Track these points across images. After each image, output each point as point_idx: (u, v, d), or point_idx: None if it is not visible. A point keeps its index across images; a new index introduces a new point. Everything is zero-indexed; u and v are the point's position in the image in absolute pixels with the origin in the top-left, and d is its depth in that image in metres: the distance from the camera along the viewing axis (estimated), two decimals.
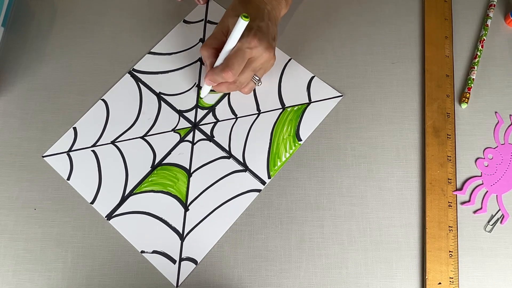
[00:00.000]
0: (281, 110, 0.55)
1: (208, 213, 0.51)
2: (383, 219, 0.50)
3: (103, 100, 0.55)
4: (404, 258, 0.49)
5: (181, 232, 0.50)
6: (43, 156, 0.53)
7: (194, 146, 0.53)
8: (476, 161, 0.52)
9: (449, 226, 0.49)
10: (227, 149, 0.53)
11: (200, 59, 0.57)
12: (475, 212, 0.50)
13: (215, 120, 0.54)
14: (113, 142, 0.53)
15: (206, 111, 0.55)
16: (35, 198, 0.52)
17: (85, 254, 0.50)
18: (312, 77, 0.56)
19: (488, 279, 0.48)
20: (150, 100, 0.55)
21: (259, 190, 0.51)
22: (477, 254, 0.49)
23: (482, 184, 0.51)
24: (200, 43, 0.58)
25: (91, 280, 0.49)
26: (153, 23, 0.59)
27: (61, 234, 0.50)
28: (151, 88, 0.56)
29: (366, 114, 0.54)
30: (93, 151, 0.53)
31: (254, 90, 0.55)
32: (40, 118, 0.55)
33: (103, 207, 0.51)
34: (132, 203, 0.51)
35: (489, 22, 0.57)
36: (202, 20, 0.59)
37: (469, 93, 0.54)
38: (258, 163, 0.52)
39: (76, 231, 0.50)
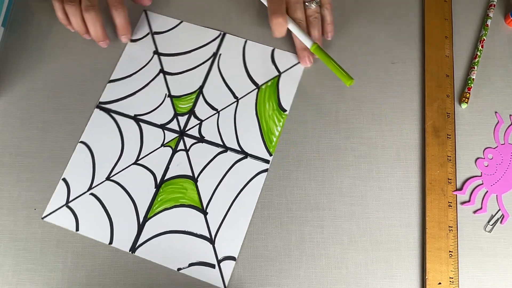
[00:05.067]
0: (257, 90, 0.55)
1: (227, 209, 0.51)
2: (383, 219, 0.50)
3: (82, 142, 0.53)
4: (404, 258, 0.49)
5: (208, 236, 0.50)
6: (43, 218, 0.51)
7: (189, 152, 0.53)
8: (476, 161, 0.52)
9: (449, 226, 0.49)
10: (221, 144, 0.53)
11: (161, 70, 0.56)
12: (475, 212, 0.50)
13: (198, 122, 0.54)
14: (108, 178, 0.52)
15: (187, 116, 0.54)
16: (35, 198, 0.52)
17: (85, 254, 0.50)
18: (273, 50, 0.57)
19: (488, 279, 0.48)
20: (129, 126, 0.54)
21: (266, 170, 0.52)
22: (477, 254, 0.49)
23: (482, 184, 0.51)
24: (156, 56, 0.57)
25: (91, 280, 0.49)
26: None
27: (61, 234, 0.50)
28: (125, 114, 0.54)
29: (366, 114, 0.54)
30: (91, 194, 0.51)
31: (224, 80, 0.56)
32: (40, 118, 0.55)
33: (123, 243, 0.50)
34: (150, 228, 0.50)
35: (489, 22, 0.57)
36: (148, 33, 0.58)
37: (469, 93, 0.54)
38: (255, 146, 0.53)
39: (76, 231, 0.50)
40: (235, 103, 0.55)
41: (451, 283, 0.47)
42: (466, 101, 0.54)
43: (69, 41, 0.59)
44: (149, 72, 0.56)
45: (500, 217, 0.50)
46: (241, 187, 0.51)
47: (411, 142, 0.53)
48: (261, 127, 0.54)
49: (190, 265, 0.49)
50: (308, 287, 0.48)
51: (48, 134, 0.54)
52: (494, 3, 0.58)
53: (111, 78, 0.56)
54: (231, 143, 0.53)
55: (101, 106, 0.55)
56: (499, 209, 0.50)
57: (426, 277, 0.48)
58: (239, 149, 0.53)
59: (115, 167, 0.52)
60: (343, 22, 0.59)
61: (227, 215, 0.50)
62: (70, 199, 0.51)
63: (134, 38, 0.58)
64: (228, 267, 0.49)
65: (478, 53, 0.56)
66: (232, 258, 0.49)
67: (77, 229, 0.50)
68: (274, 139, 0.53)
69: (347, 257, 0.49)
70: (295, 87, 0.55)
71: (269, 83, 0.55)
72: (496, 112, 0.54)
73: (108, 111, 0.55)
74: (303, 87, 0.55)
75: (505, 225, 0.50)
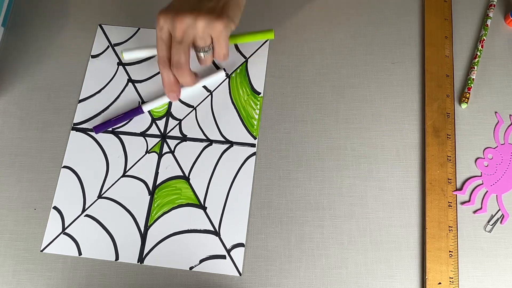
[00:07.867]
0: (227, 79, 0.56)
1: (225, 198, 0.51)
2: (383, 219, 0.50)
3: (65, 166, 0.53)
4: (404, 258, 0.49)
5: (212, 230, 0.50)
6: (42, 250, 0.50)
7: (175, 153, 0.53)
8: (476, 161, 0.52)
9: (449, 226, 0.49)
10: (205, 138, 0.53)
11: (129, 80, 0.56)
12: (475, 212, 0.50)
13: (177, 122, 0.54)
14: (100, 196, 0.52)
15: (165, 118, 0.55)
16: (35, 198, 0.52)
17: (85, 254, 0.50)
18: None
19: (488, 279, 0.48)
20: (109, 140, 0.54)
21: (254, 153, 0.53)
22: (477, 254, 0.49)
23: (482, 184, 0.51)
24: (121, 67, 0.57)
25: (91, 280, 0.49)
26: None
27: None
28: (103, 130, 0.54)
29: (366, 114, 0.54)
30: (87, 215, 0.51)
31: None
32: (40, 118, 0.55)
33: (129, 256, 0.49)
34: (154, 235, 0.50)
35: (489, 22, 0.57)
36: (108, 46, 0.58)
37: (469, 93, 0.54)
38: (238, 133, 0.53)
39: None
40: (209, 96, 0.55)
41: (451, 283, 0.47)
42: (466, 101, 0.54)
43: (69, 41, 0.58)
44: (117, 84, 0.56)
45: (500, 217, 0.50)
46: (233, 175, 0.52)
47: (411, 142, 0.53)
48: (239, 113, 0.54)
49: (201, 261, 0.49)
50: (308, 287, 0.48)
51: (48, 134, 0.54)
52: (494, 3, 0.58)
53: (80, 98, 0.56)
54: (214, 135, 0.54)
55: (76, 127, 0.54)
56: (499, 209, 0.50)
57: (426, 277, 0.48)
58: (224, 139, 0.53)
59: (104, 184, 0.52)
60: (343, 22, 0.59)
61: (226, 205, 0.51)
62: (66, 225, 0.51)
63: (94, 53, 0.58)
64: (238, 254, 0.49)
65: (478, 53, 0.56)
66: (240, 245, 0.49)
67: (79, 253, 0.50)
68: (255, 123, 0.54)
69: (347, 257, 0.49)
70: (264, 68, 0.56)
71: (238, 70, 0.56)
72: (496, 112, 0.54)
73: (84, 131, 0.54)
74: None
75: (505, 225, 0.50)
